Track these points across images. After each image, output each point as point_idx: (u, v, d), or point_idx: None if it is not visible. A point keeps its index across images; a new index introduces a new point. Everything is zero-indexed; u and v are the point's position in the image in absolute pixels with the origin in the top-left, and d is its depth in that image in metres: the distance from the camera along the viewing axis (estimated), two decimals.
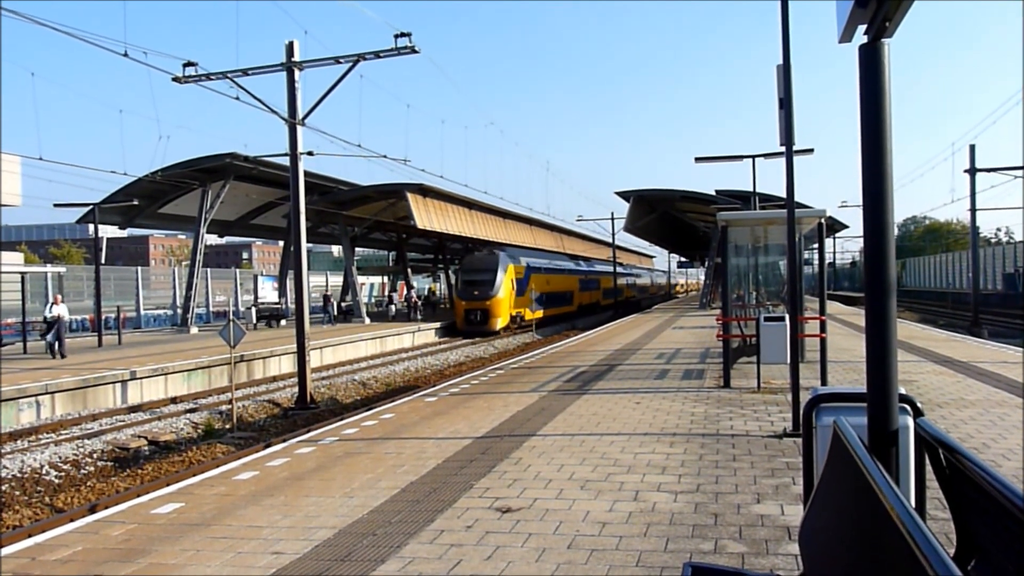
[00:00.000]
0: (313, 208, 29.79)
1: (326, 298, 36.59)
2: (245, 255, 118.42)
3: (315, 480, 6.73)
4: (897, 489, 1.57)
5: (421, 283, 60.01)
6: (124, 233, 45.23)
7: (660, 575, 4.24)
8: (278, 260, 44.77)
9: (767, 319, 10.76)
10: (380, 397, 18.33)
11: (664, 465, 6.70)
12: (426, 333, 32.87)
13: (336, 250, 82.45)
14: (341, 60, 16.67)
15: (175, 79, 16.11)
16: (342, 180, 33.44)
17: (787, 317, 9.73)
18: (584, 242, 62.66)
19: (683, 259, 77.86)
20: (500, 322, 34.99)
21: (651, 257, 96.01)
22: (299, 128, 16.63)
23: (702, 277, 53.95)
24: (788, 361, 9.07)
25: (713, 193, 36.02)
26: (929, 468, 2.12)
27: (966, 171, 33.01)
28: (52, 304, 20.85)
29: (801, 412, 2.92)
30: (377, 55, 16.28)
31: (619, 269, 59.95)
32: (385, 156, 21.38)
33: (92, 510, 8.41)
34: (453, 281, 45.98)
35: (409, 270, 48.23)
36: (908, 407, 2.24)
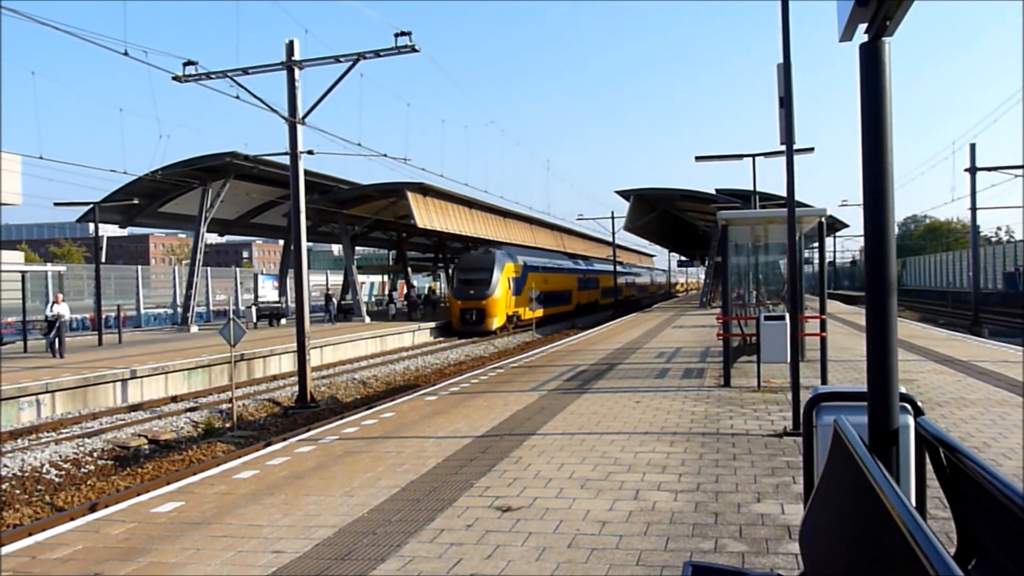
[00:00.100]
0: (313, 207, 29.78)
1: (328, 297, 36.57)
2: (245, 254, 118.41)
3: (315, 479, 6.73)
4: (898, 488, 1.57)
5: (421, 282, 60.03)
6: (124, 232, 45.25)
7: (660, 574, 4.24)
8: (278, 259, 44.80)
9: (767, 318, 10.76)
10: (380, 396, 18.34)
11: (664, 464, 6.70)
12: (423, 333, 32.83)
13: (336, 249, 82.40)
14: (341, 59, 16.66)
15: (175, 78, 16.11)
16: (342, 179, 33.44)
17: (787, 316, 9.72)
18: (584, 241, 62.66)
19: (683, 258, 77.86)
20: (496, 322, 34.65)
21: (651, 256, 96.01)
22: (299, 127, 16.62)
23: (702, 276, 53.95)
24: (788, 360, 9.06)
25: (713, 192, 35.99)
26: (929, 467, 2.12)
27: (967, 170, 33.01)
28: (53, 303, 20.85)
29: (801, 411, 2.92)
30: (377, 54, 16.28)
31: (619, 268, 59.86)
32: (385, 155, 21.39)
33: (92, 509, 8.41)
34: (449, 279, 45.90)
35: (409, 269, 48.24)
36: (909, 406, 2.23)
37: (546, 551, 4.65)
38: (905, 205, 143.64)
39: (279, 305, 34.13)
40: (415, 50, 15.89)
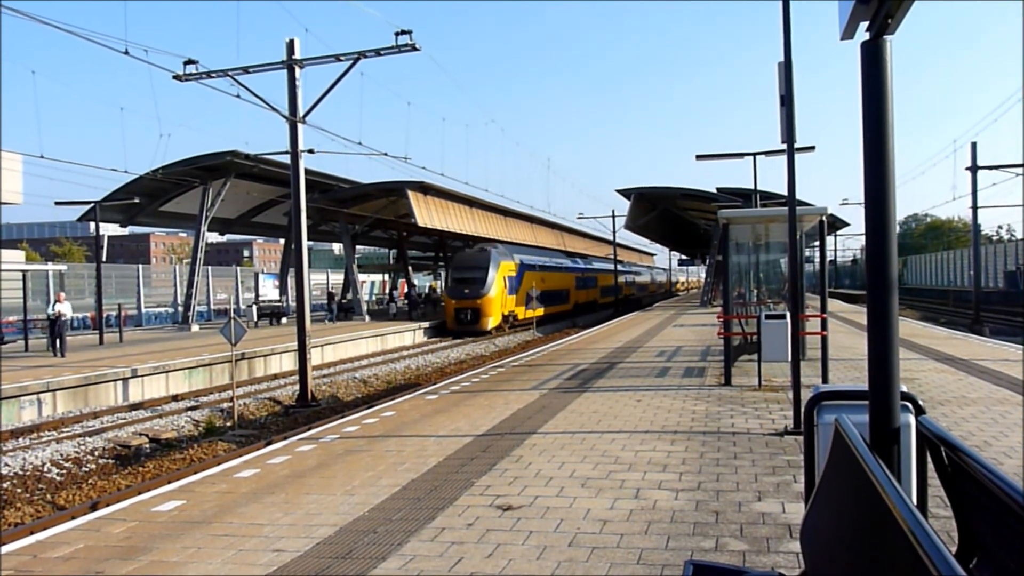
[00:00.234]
0: (314, 206, 29.78)
1: (330, 295, 36.56)
2: (246, 253, 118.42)
3: (316, 478, 6.73)
4: (899, 487, 1.57)
5: (422, 281, 60.07)
6: (125, 231, 45.24)
7: (661, 573, 4.24)
8: (279, 258, 44.82)
9: (768, 317, 10.76)
10: (381, 395, 18.34)
11: (665, 463, 6.70)
12: (422, 332, 32.71)
13: (337, 248, 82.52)
14: (342, 58, 16.65)
15: (176, 77, 16.11)
16: (343, 178, 33.44)
17: (788, 315, 9.72)
18: (585, 240, 62.64)
19: (684, 257, 77.91)
20: (491, 321, 34.03)
21: (652, 255, 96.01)
22: (300, 126, 16.62)
23: (703, 275, 53.95)
24: (789, 359, 9.07)
25: (714, 191, 35.96)
26: (931, 466, 2.12)
27: (968, 169, 33.00)
28: (55, 301, 20.87)
29: (802, 410, 2.92)
30: (378, 53, 16.27)
31: (619, 267, 59.75)
32: (386, 154, 21.38)
33: (93, 508, 8.42)
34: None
35: (410, 268, 48.25)
36: (910, 405, 2.23)
37: (547, 550, 4.65)
38: (906, 204, 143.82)
39: (280, 304, 34.14)
40: (416, 49, 15.88)
